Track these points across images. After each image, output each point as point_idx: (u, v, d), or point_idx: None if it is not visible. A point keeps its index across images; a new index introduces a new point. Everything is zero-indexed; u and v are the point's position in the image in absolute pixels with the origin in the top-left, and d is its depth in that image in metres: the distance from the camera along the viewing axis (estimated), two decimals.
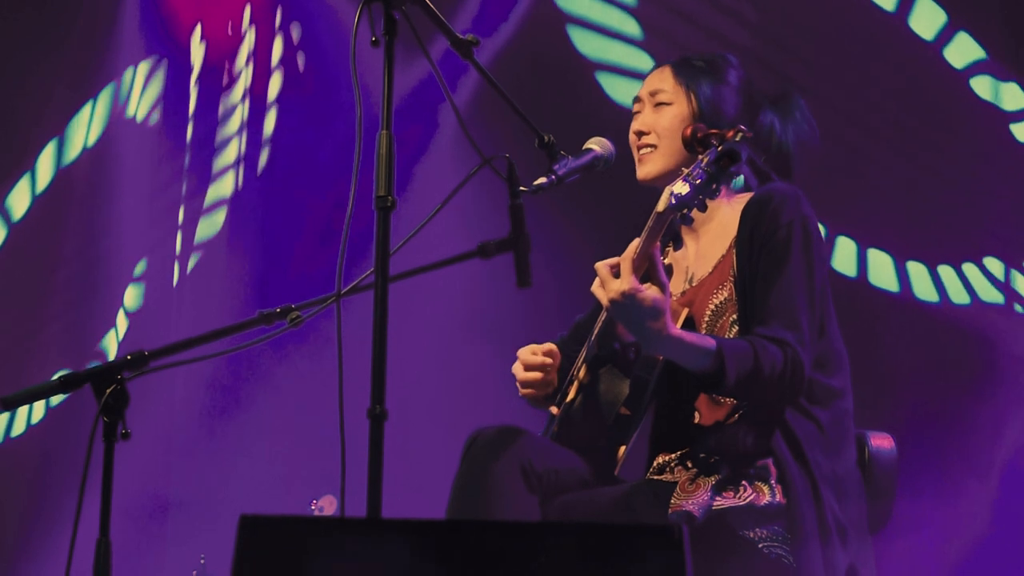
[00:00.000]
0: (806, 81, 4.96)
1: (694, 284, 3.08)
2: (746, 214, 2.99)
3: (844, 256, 4.93)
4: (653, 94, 3.17)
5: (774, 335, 2.82)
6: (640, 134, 3.16)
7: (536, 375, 3.15)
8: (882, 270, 4.94)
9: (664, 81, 3.17)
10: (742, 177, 3.16)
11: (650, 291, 2.73)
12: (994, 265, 4.86)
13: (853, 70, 4.99)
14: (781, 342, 2.81)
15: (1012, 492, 4.58)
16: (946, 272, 4.90)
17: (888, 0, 5.06)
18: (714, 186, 2.69)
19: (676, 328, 2.77)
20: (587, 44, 5.45)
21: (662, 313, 2.73)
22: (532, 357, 3.18)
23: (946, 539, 4.53)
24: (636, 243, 2.78)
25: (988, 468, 4.61)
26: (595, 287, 2.80)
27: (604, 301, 2.77)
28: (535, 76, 5.28)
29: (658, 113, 3.15)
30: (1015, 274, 4.82)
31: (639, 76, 5.31)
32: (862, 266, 4.95)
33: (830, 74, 4.98)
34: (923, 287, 4.92)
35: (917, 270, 4.92)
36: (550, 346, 3.20)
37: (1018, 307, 4.80)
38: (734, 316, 2.95)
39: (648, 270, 2.76)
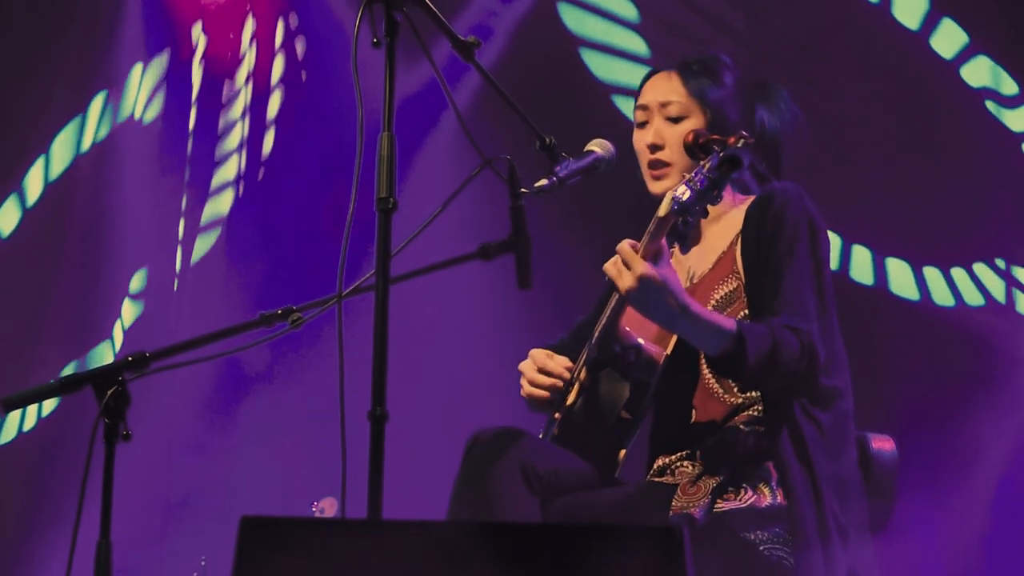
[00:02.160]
0: (807, 74, 4.97)
1: (695, 282, 3.08)
2: (751, 214, 2.99)
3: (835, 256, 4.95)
4: (664, 105, 3.14)
5: (788, 323, 2.82)
6: (654, 148, 3.12)
7: (550, 381, 3.14)
8: (864, 267, 4.96)
9: (674, 91, 3.13)
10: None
11: (666, 270, 2.72)
12: (993, 268, 4.87)
13: (859, 75, 4.99)
14: (795, 328, 2.81)
15: (1010, 493, 4.58)
16: (939, 274, 4.91)
17: (913, 19, 5.06)
18: (716, 192, 2.68)
19: (696, 304, 2.76)
20: (600, 67, 5.44)
21: (681, 289, 2.73)
22: (550, 363, 3.14)
23: (945, 540, 4.54)
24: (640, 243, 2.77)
25: (986, 469, 4.61)
26: (610, 266, 2.76)
27: (624, 283, 2.73)
28: (536, 77, 5.28)
29: (673, 127, 3.11)
30: (1015, 272, 4.83)
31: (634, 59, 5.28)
32: (844, 262, 4.96)
33: (840, 76, 4.98)
34: (906, 287, 4.93)
35: (932, 274, 4.94)
36: (567, 360, 3.18)
37: (1017, 309, 4.81)
38: (743, 313, 2.94)
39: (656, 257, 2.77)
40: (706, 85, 3.11)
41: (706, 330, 2.76)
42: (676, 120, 3.12)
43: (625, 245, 2.75)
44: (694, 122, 3.10)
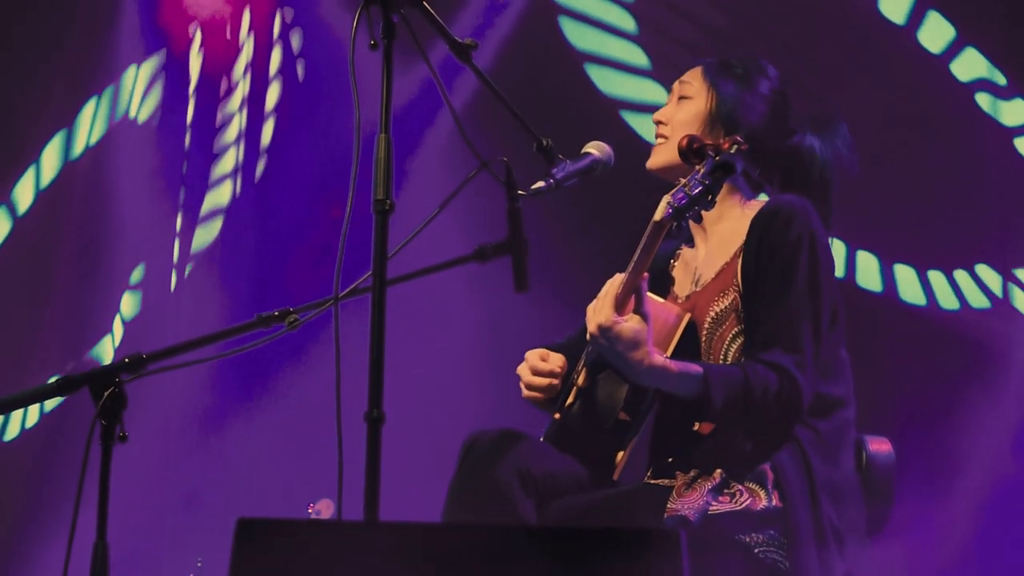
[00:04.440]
0: (811, 85, 4.97)
1: (698, 288, 3.08)
2: (755, 225, 2.99)
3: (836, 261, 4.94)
4: (681, 86, 3.19)
5: (771, 360, 2.83)
6: (658, 123, 3.19)
7: (544, 381, 3.16)
8: (871, 274, 4.96)
9: (693, 77, 3.18)
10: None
11: (629, 323, 2.77)
12: (988, 271, 4.87)
13: (857, 78, 4.99)
14: (778, 367, 2.82)
15: (1008, 495, 4.58)
16: (937, 277, 4.92)
17: (898, 13, 5.06)
18: (710, 197, 2.72)
19: (659, 357, 2.80)
20: (582, 38, 5.45)
21: (641, 344, 2.76)
22: (542, 364, 3.17)
23: (939, 542, 4.54)
24: (620, 277, 2.81)
25: (984, 471, 4.61)
26: (589, 308, 2.87)
27: (589, 329, 2.83)
28: (532, 79, 5.28)
29: (678, 106, 3.16)
30: (1010, 281, 4.83)
31: (635, 72, 5.29)
32: (850, 269, 4.96)
33: (833, 79, 4.98)
34: (912, 291, 4.93)
35: (907, 274, 4.94)
36: (561, 358, 3.20)
37: (1015, 307, 4.82)
38: (737, 328, 2.95)
39: (634, 300, 2.80)
40: (725, 77, 3.14)
41: (670, 380, 2.81)
42: (684, 101, 3.16)
43: (590, 307, 2.85)
44: (697, 106, 3.13)
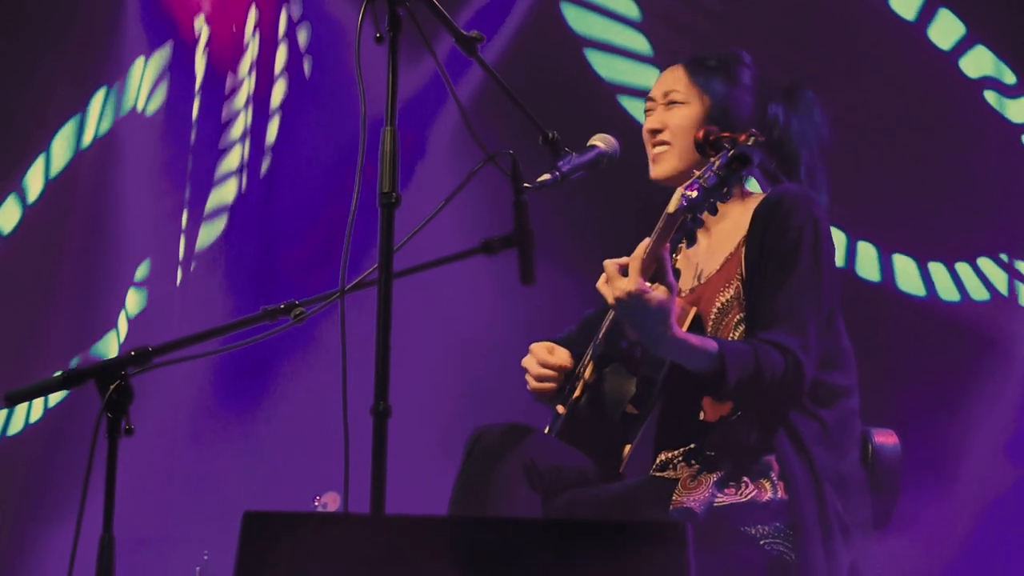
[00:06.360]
0: (817, 75, 4.96)
1: (702, 281, 3.08)
2: (757, 215, 2.99)
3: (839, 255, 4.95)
4: (666, 94, 3.17)
5: (777, 340, 2.82)
6: (654, 132, 3.16)
7: (552, 374, 3.15)
8: (870, 263, 4.96)
9: (677, 81, 3.17)
10: (753, 180, 3.16)
11: (657, 292, 2.72)
12: (991, 265, 4.87)
13: (866, 72, 4.99)
14: (783, 348, 2.81)
15: (1005, 488, 4.58)
16: (938, 269, 4.91)
17: (909, 9, 5.06)
18: (725, 189, 2.69)
19: (680, 330, 2.77)
20: (583, 24, 5.45)
21: (667, 315, 2.72)
22: (549, 357, 3.17)
23: (941, 534, 4.54)
24: (646, 243, 2.78)
25: (991, 463, 4.61)
26: (601, 283, 2.80)
27: (610, 299, 2.76)
28: (533, 65, 5.28)
29: (671, 112, 3.14)
30: (1017, 267, 4.83)
31: (636, 58, 5.28)
32: (850, 259, 4.96)
33: (842, 73, 4.98)
34: (911, 282, 4.93)
35: (906, 265, 4.94)
36: (567, 352, 3.19)
37: (1020, 302, 4.81)
38: (739, 315, 2.95)
39: (657, 271, 2.75)
40: (711, 76, 3.12)
41: (689, 354, 2.78)
42: (676, 106, 3.14)
43: (609, 262, 2.78)
44: (691, 109, 3.12)
